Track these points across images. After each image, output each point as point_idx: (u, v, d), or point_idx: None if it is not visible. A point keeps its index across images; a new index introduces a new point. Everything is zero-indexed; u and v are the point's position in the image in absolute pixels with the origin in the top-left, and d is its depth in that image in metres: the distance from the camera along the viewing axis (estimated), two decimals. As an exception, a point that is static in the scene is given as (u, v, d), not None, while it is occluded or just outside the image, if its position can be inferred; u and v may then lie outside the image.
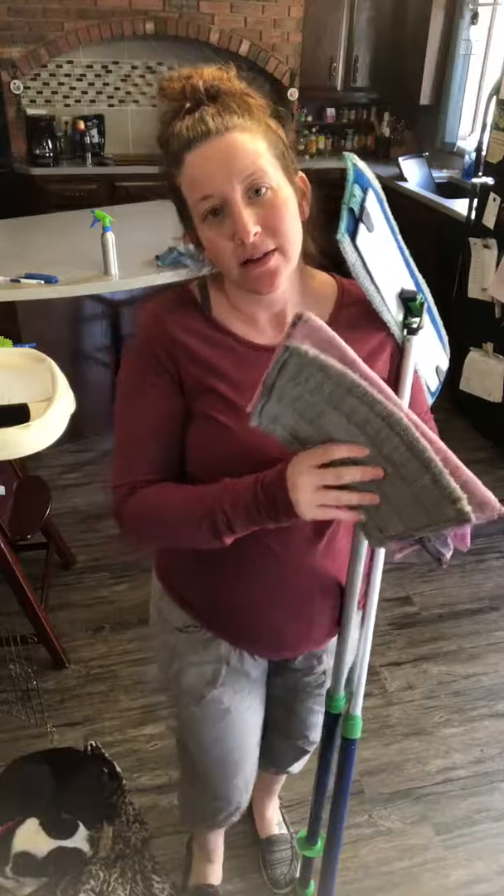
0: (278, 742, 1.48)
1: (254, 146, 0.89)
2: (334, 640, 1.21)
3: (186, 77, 0.90)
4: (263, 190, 0.90)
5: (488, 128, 3.26)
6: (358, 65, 5.30)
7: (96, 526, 2.88)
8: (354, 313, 1.04)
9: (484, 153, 3.31)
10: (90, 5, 4.60)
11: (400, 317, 1.04)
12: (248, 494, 0.90)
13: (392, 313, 1.03)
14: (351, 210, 0.95)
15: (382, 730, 2.09)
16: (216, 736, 1.29)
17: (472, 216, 3.43)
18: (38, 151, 4.82)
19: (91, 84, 5.10)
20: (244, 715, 1.28)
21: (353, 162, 0.97)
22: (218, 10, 4.81)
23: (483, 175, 3.34)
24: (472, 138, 4.74)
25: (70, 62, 4.99)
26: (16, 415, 1.79)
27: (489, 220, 3.28)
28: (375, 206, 1.00)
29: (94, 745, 1.93)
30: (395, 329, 1.04)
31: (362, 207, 0.97)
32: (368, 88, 5.44)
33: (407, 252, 1.09)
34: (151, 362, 1.00)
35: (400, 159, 4.71)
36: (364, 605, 1.17)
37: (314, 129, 5.57)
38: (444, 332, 1.20)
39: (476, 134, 4.26)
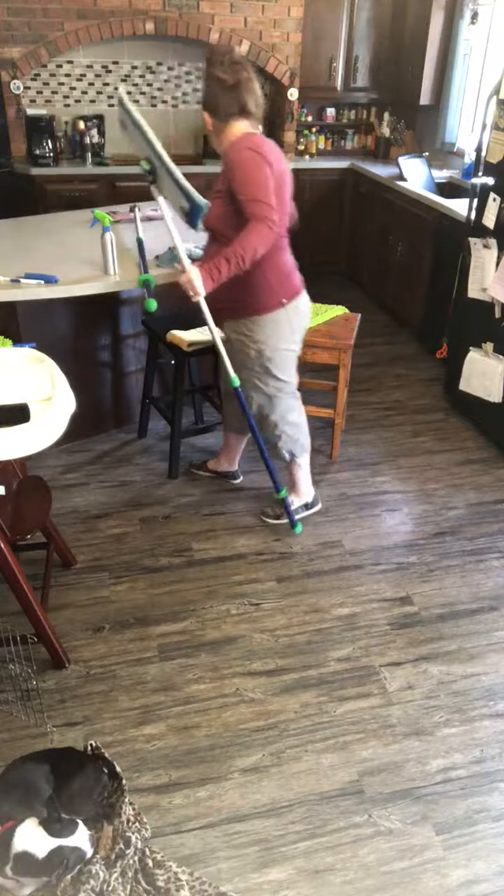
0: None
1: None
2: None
3: None
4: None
5: (488, 128, 3.26)
6: (358, 65, 5.31)
7: (96, 526, 2.89)
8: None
9: (484, 153, 3.31)
10: (90, 5, 4.60)
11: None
12: None
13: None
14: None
15: (382, 730, 2.09)
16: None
17: (472, 216, 3.43)
18: (38, 151, 4.83)
19: (91, 84, 5.11)
20: None
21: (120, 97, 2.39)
22: (218, 10, 4.82)
23: (483, 175, 3.34)
24: (472, 138, 4.75)
25: (70, 62, 4.99)
26: (16, 415, 1.79)
27: (489, 220, 3.28)
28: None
29: (94, 745, 1.93)
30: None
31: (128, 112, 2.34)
32: (368, 88, 5.45)
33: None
34: None
35: (400, 159, 4.71)
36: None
37: (314, 130, 5.58)
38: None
39: (476, 134, 4.26)
